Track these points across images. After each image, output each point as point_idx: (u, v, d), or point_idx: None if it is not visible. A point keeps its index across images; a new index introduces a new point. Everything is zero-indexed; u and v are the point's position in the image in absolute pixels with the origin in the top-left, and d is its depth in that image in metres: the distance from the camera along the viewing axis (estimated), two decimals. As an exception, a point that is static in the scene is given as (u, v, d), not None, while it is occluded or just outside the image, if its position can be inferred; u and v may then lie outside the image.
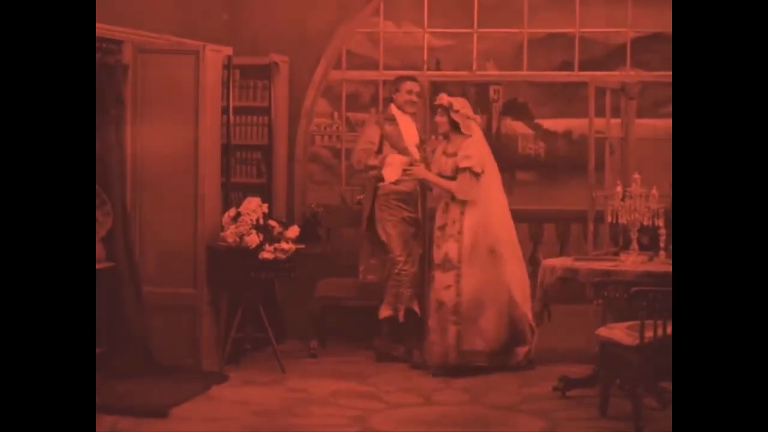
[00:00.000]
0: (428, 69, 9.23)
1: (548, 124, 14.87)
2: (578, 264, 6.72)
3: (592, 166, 7.92)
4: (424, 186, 7.61)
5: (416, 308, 7.65)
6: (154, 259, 7.26)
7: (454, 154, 7.30)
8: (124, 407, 6.13)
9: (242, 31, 8.49)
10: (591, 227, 8.31)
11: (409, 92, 7.69)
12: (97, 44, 6.67)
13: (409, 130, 7.72)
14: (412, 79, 7.83)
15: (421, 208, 7.74)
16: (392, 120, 7.70)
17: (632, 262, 6.60)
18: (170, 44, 7.51)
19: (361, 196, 8.73)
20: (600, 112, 8.48)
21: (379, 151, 7.57)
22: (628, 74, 8.78)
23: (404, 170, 7.40)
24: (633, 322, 5.91)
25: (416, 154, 7.56)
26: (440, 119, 7.37)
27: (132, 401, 6.27)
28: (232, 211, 7.34)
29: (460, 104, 7.35)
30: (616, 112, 8.76)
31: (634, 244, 6.69)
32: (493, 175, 7.41)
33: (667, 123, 8.65)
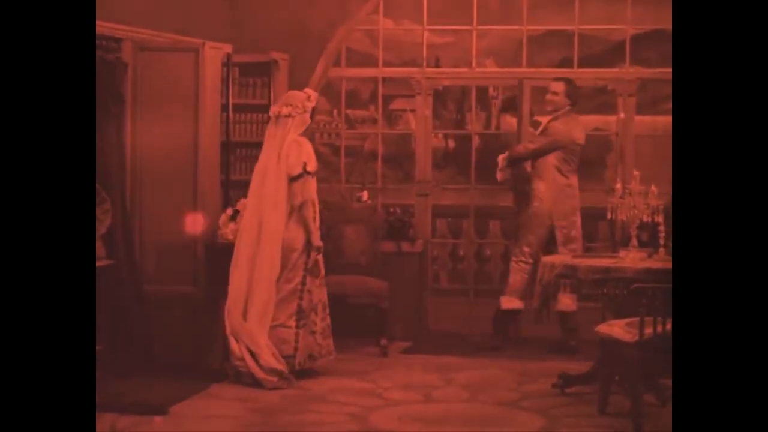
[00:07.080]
0: (428, 66, 9.21)
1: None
2: (577, 261, 6.71)
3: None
4: None
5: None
6: (154, 257, 7.27)
7: None
8: (124, 405, 6.13)
9: (242, 28, 8.49)
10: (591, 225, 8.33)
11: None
12: (97, 42, 6.68)
13: None
14: (555, 79, 8.18)
15: None
16: None
17: (632, 258, 6.60)
18: (170, 42, 7.51)
19: (361, 193, 8.71)
20: (600, 110, 8.49)
21: None
22: (627, 71, 8.76)
23: None
24: (632, 319, 5.91)
25: None
26: None
27: (132, 399, 6.27)
28: (228, 211, 7.35)
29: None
30: (615, 109, 8.77)
31: (634, 241, 6.69)
32: None
33: (666, 120, 8.63)
